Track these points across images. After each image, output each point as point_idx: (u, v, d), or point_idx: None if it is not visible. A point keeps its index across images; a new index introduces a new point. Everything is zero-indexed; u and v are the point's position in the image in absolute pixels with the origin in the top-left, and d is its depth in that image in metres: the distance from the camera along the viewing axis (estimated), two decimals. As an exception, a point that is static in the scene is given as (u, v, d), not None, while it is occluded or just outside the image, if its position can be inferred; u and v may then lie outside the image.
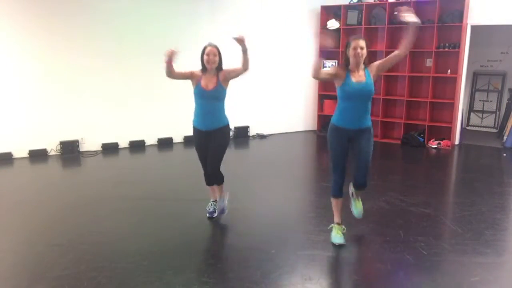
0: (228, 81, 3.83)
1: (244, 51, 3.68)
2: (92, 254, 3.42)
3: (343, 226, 3.67)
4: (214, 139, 3.85)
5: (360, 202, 3.85)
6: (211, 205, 4.21)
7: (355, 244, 3.69)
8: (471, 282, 3.05)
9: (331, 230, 3.68)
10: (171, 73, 3.74)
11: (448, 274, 3.17)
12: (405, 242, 3.64)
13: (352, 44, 3.34)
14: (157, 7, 7.05)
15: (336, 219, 3.68)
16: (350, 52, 3.36)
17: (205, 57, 3.74)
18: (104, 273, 3.12)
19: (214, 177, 3.98)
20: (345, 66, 3.43)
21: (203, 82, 3.76)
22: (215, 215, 4.15)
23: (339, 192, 3.61)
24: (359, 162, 3.49)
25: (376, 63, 3.49)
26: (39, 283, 2.99)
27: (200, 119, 3.86)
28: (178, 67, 3.75)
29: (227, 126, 3.93)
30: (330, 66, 8.29)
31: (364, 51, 3.34)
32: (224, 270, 3.19)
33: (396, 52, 3.40)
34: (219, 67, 3.80)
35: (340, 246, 3.54)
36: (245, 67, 3.74)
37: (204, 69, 3.80)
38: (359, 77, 3.38)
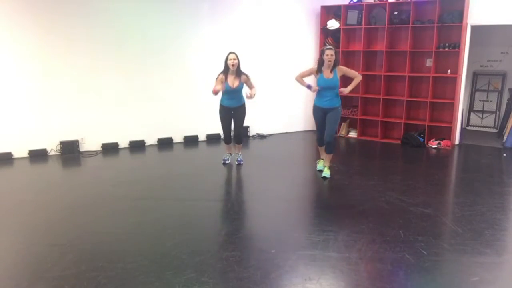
0: (244, 83, 5.67)
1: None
2: (92, 254, 3.43)
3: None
4: (237, 113, 5.73)
5: (328, 169, 5.52)
6: (226, 155, 6.07)
7: (355, 244, 3.69)
8: (471, 282, 3.06)
9: (317, 163, 5.86)
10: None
11: (448, 274, 3.17)
12: (405, 242, 3.65)
13: (326, 52, 5.11)
14: (158, 8, 7.04)
15: (322, 156, 5.71)
16: (325, 57, 5.12)
17: (229, 61, 5.44)
18: (104, 273, 3.12)
19: (238, 137, 5.87)
20: (320, 67, 5.21)
21: (229, 82, 5.55)
22: (228, 162, 6.04)
23: (321, 143, 5.57)
24: (328, 127, 5.33)
25: (344, 68, 5.35)
26: (39, 283, 3.00)
27: (227, 101, 5.68)
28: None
29: (244, 104, 5.77)
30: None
31: (333, 57, 5.09)
32: (224, 270, 3.18)
33: (356, 77, 5.36)
34: (239, 69, 5.52)
35: (320, 172, 5.57)
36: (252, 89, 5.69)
37: (226, 70, 5.50)
38: (329, 75, 5.20)
